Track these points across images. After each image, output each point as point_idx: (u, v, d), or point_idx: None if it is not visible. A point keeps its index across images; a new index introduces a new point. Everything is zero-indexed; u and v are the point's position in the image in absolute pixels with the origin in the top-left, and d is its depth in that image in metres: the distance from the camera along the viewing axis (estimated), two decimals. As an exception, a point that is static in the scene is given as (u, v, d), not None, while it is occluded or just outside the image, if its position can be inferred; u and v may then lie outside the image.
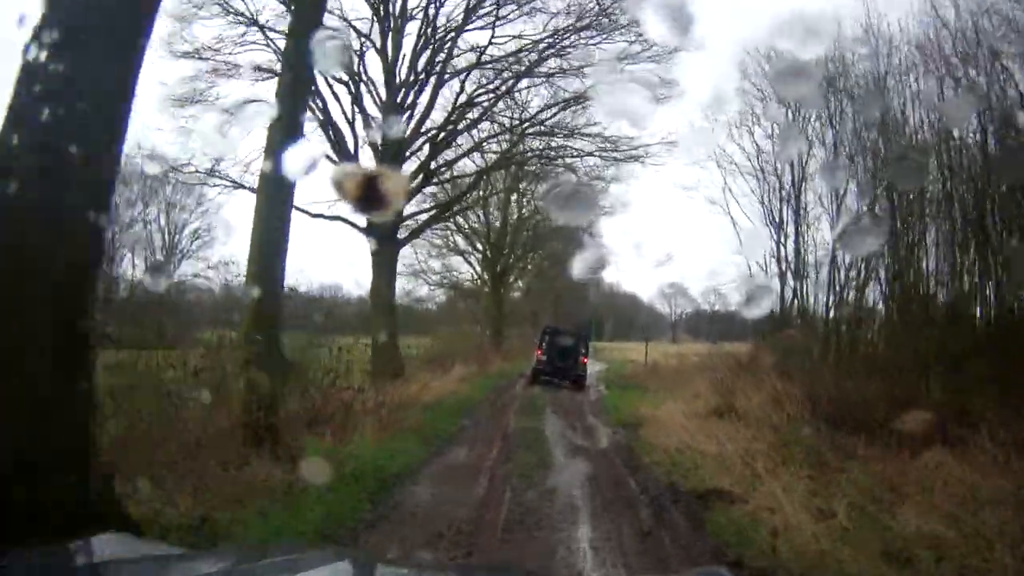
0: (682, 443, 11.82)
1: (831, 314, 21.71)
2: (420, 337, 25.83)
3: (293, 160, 9.59)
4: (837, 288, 21.62)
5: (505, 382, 23.45)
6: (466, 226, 32.20)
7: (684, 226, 62.30)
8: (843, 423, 13.83)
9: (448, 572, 3.95)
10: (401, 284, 33.31)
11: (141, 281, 32.07)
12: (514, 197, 31.64)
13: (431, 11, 20.05)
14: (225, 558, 2.54)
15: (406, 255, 32.46)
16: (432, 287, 35.61)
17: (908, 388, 14.60)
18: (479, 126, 21.43)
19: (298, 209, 19.58)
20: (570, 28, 18.94)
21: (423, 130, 20.47)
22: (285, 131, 9.10)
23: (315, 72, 11.46)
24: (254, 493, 7.00)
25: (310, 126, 19.87)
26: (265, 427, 8.46)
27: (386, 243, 19.44)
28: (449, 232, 32.73)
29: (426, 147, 20.63)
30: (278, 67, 19.89)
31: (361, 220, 19.89)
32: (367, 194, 2.19)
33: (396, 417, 12.66)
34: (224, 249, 35.59)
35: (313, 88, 19.36)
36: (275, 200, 9.11)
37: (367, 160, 20.13)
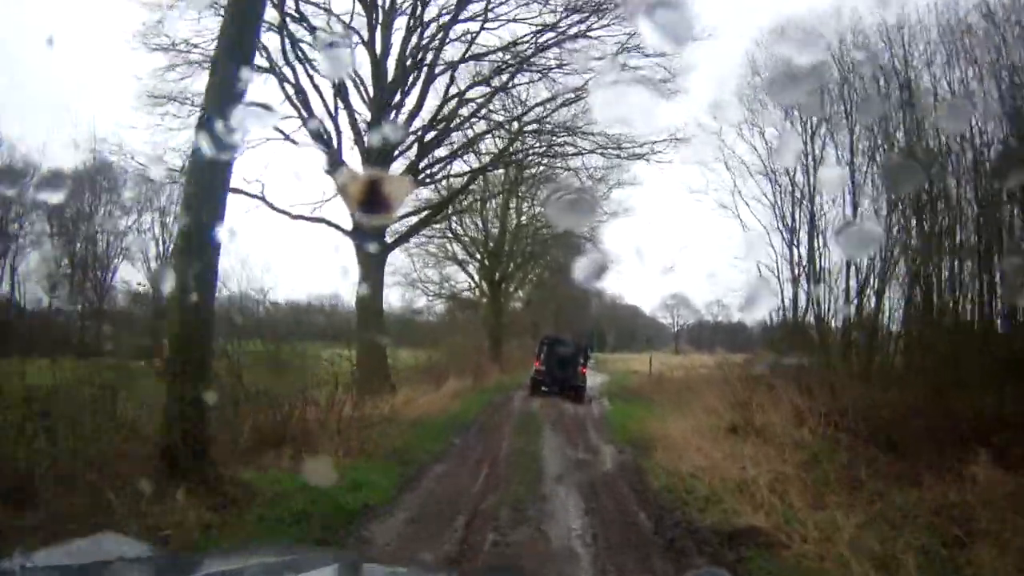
0: (697, 466, 10.06)
1: (849, 321, 20.07)
2: (419, 349, 24.04)
3: (229, 136, 7.96)
4: (853, 294, 19.99)
5: (502, 396, 21.61)
6: (463, 233, 30.51)
7: (689, 234, 60.00)
8: (872, 439, 12.22)
9: (448, 574, 3.86)
10: (399, 294, 31.70)
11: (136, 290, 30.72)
12: (513, 204, 30.00)
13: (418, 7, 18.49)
14: (225, 558, 2.46)
15: (403, 265, 30.90)
16: (430, 298, 33.91)
17: (940, 398, 13.09)
18: (474, 124, 19.75)
19: (278, 210, 18.04)
20: (569, 10, 17.29)
21: (413, 128, 18.82)
22: (220, 100, 7.41)
23: (261, 30, 9.77)
24: (153, 539, 5.27)
25: (294, 123, 18.33)
26: (189, 452, 6.74)
27: (373, 247, 17.70)
28: (447, 240, 31.14)
29: (416, 146, 18.94)
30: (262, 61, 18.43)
31: (347, 223, 18.26)
32: (368, 198, 2.09)
33: (373, 436, 10.94)
34: (223, 260, 33.96)
35: (295, 80, 17.84)
36: (207, 186, 7.35)
37: (352, 157, 18.50)
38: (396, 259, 30.69)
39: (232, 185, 17.81)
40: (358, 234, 18.05)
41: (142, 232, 36.98)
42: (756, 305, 22.65)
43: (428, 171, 19.52)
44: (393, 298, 33.02)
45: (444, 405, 16.79)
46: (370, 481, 8.16)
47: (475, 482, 8.90)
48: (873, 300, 19.46)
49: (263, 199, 17.62)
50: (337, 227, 18.23)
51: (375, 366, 17.44)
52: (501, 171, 27.18)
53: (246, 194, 17.60)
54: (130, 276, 33.82)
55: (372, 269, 18.09)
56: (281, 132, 18.28)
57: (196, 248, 7.11)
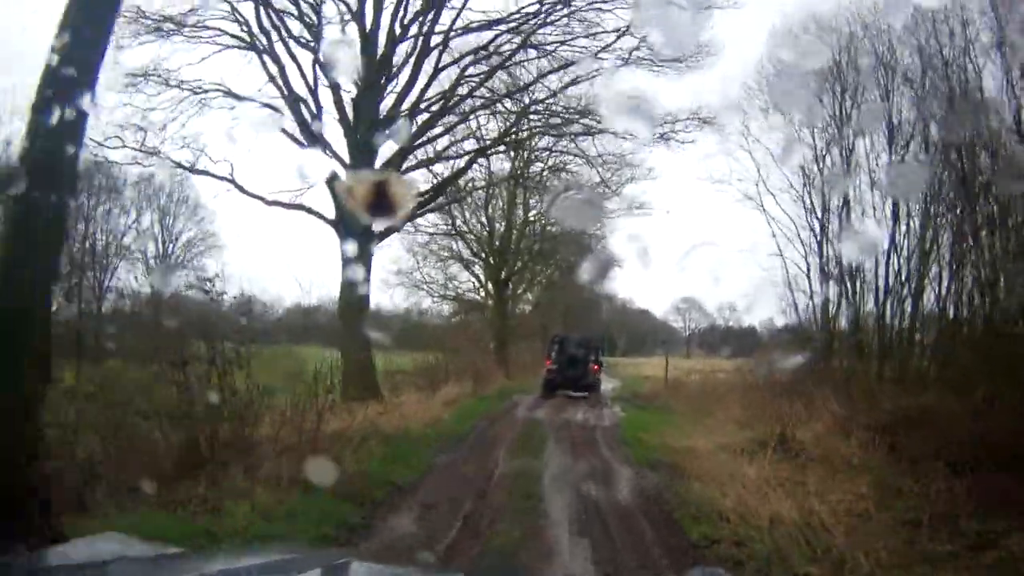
0: (742, 500, 7.48)
1: (885, 322, 17.51)
2: (426, 352, 21.45)
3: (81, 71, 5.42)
4: (890, 292, 17.43)
5: (505, 404, 18.90)
6: (467, 231, 28.00)
7: (708, 232, 56.34)
8: (935, 455, 9.76)
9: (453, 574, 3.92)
10: (403, 295, 29.37)
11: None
12: (520, 199, 27.46)
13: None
14: (225, 558, 2.40)
15: (409, 266, 28.58)
16: (435, 299, 31.35)
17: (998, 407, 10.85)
18: (474, 105, 17.23)
19: (250, 195, 15.70)
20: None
21: (404, 108, 16.37)
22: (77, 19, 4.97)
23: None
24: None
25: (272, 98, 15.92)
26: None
27: (359, 239, 15.16)
28: (451, 239, 28.69)
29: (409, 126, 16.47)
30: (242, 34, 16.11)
31: (329, 211, 15.86)
32: (370, 200, 2.04)
33: (333, 458, 8.45)
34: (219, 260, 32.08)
35: (268, 46, 15.45)
36: (45, 146, 4.79)
37: (337, 140, 16.09)
38: (401, 258, 28.48)
39: (199, 167, 15.59)
40: (342, 224, 15.67)
41: (141, 232, 35.15)
42: (781, 304, 20.23)
43: (422, 153, 17.10)
44: (398, 299, 30.82)
45: (436, 414, 14.27)
46: (289, 534, 5.63)
47: (449, 529, 6.35)
48: (910, 301, 17.08)
49: (232, 181, 15.28)
50: (319, 215, 15.85)
51: (360, 372, 15.00)
52: (507, 166, 24.87)
53: (214, 176, 15.30)
54: (131, 277, 32.11)
55: (357, 263, 15.60)
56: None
57: (23, 243, 4.63)
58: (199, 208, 34.51)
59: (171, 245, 35.64)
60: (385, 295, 34.36)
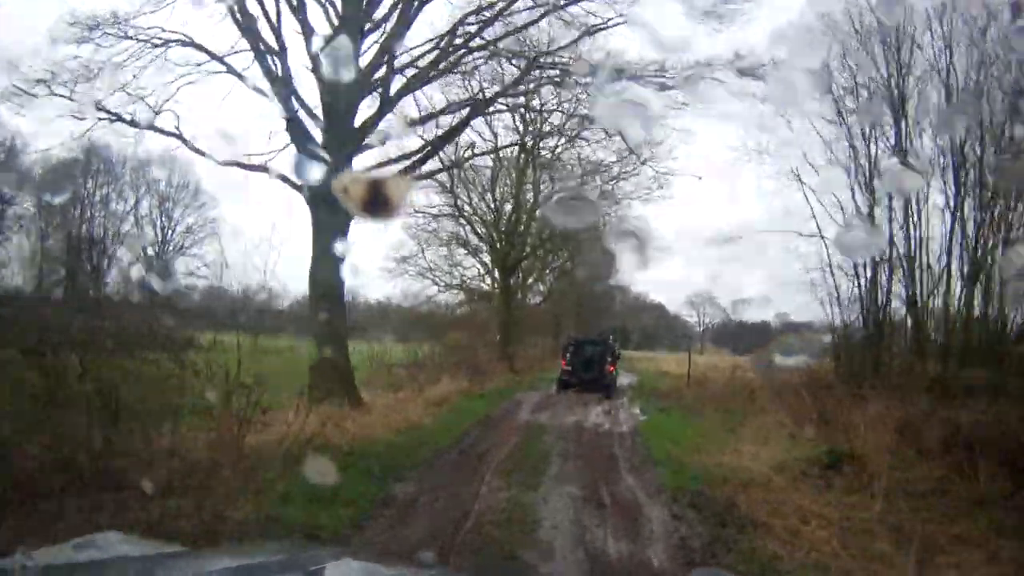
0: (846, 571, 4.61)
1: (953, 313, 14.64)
2: (419, 344, 18.86)
3: None
4: (950, 278, 14.57)
5: (506, 404, 15.98)
6: (472, 212, 25.23)
7: (727, 221, 52.46)
8: None
9: (449, 574, 3.77)
10: (406, 283, 26.92)
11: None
12: (529, 176, 24.60)
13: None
14: (225, 557, 2.32)
15: (411, 250, 25.98)
16: (440, 287, 28.63)
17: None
18: (470, 53, 14.40)
19: (199, 152, 13.04)
20: None
21: (387, 58, 13.58)
22: None
23: None
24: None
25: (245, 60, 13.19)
26: None
27: (332, 210, 12.34)
28: (457, 223, 26.01)
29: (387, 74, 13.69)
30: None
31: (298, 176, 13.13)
32: (367, 199, 1.85)
33: (231, 491, 5.72)
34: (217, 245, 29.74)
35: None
36: None
37: (310, 91, 13.36)
38: (404, 244, 26.02)
39: (141, 122, 12.92)
40: (313, 191, 12.91)
41: (140, 218, 32.97)
42: (817, 293, 17.46)
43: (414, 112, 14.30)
44: (403, 287, 28.40)
45: (417, 417, 11.49)
46: None
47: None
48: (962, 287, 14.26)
49: (180, 137, 12.58)
50: (285, 179, 13.06)
51: (333, 368, 12.24)
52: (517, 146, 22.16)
53: (161, 132, 12.61)
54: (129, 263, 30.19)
55: (330, 237, 12.82)
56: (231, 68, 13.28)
57: None
58: (200, 193, 32.30)
59: (170, 231, 33.52)
60: (389, 283, 31.86)
